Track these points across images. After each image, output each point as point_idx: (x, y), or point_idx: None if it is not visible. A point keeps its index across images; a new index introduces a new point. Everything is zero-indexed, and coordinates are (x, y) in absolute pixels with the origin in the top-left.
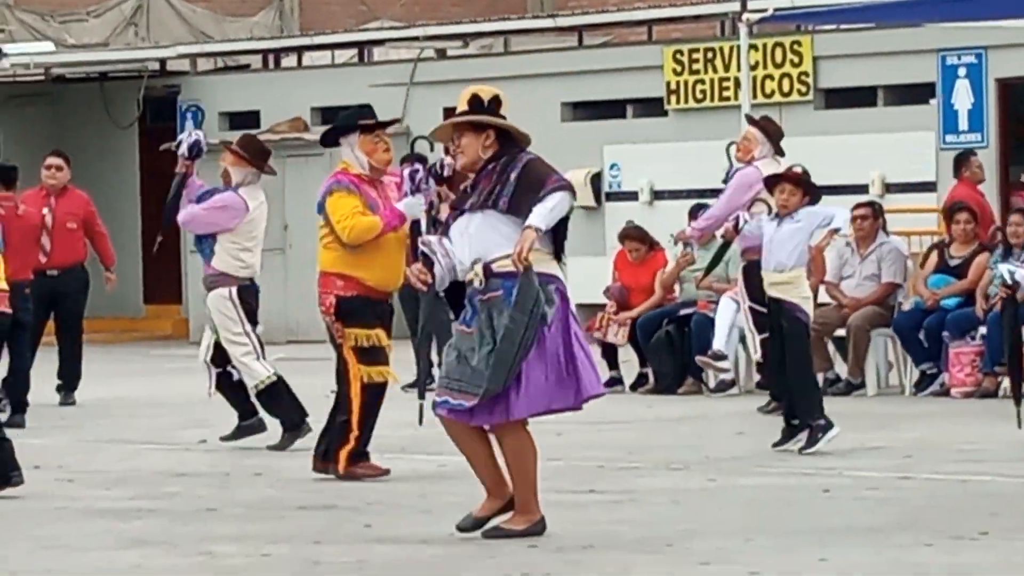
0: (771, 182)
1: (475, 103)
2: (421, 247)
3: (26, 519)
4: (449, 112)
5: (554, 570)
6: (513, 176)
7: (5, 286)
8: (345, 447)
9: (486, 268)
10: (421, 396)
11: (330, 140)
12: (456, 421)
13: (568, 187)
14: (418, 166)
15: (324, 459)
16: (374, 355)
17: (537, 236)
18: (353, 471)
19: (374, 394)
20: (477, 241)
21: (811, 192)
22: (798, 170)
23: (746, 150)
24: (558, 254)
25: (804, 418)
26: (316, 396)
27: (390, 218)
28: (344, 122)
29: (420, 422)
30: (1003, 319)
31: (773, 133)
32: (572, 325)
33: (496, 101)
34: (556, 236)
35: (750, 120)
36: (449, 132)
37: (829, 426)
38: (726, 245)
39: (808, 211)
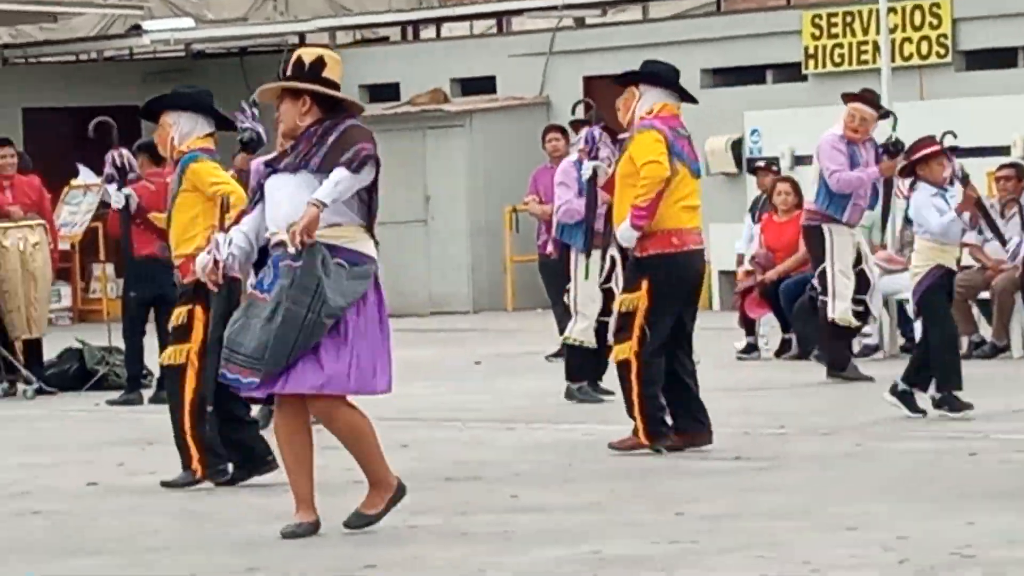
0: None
1: (297, 67)
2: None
3: (172, 493)
4: (588, 81)
5: (701, 538)
6: (330, 140)
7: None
8: None
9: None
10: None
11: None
12: (287, 424)
13: (365, 161)
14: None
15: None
16: None
17: (319, 211)
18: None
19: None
20: (290, 203)
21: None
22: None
23: (865, 130)
24: (371, 227)
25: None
26: (463, 367)
27: None
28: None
29: None
30: None
31: (871, 99)
32: (378, 311)
33: (319, 63)
34: (370, 208)
35: (851, 97)
36: (273, 95)
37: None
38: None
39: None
